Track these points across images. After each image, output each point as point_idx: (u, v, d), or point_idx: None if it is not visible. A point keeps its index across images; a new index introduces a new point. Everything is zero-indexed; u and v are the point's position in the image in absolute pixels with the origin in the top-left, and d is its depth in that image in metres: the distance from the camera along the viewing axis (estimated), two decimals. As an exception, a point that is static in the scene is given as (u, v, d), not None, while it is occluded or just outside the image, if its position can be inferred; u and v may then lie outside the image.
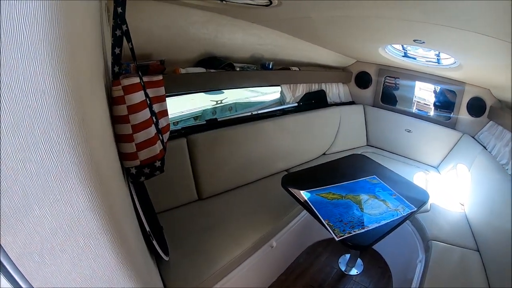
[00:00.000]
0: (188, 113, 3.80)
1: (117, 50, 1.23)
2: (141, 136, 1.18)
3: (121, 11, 1.20)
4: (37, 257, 0.68)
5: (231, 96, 4.86)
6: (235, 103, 4.64)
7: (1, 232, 0.63)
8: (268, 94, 4.82)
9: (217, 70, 2.87)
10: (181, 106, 3.99)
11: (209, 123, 3.10)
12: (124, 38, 1.24)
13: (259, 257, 2.44)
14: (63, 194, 0.64)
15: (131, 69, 2.09)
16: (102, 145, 0.82)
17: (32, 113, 0.55)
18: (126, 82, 1.12)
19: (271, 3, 2.03)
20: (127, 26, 1.23)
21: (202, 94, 4.76)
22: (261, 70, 3.34)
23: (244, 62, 3.26)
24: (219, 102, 4.42)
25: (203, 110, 3.95)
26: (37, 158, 0.59)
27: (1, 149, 0.56)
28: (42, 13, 0.52)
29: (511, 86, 2.52)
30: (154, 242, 1.56)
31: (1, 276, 0.69)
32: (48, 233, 0.66)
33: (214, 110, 4.10)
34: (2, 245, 0.65)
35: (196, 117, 4.01)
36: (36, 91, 0.54)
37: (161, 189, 2.55)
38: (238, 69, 3.08)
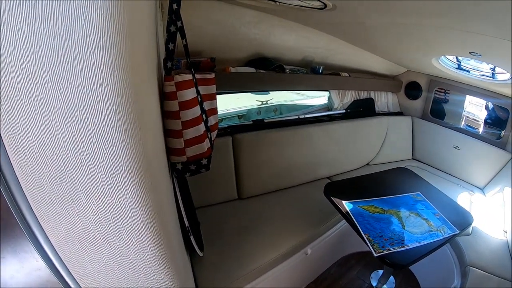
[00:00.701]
0: (233, 111, 3.82)
1: (170, 46, 1.23)
2: (190, 133, 1.18)
3: (176, 7, 1.20)
4: (78, 244, 0.69)
5: (277, 97, 4.86)
6: (280, 105, 4.63)
7: (45, 218, 0.64)
8: (314, 98, 4.78)
9: (267, 71, 2.86)
10: (227, 104, 4.01)
11: (256, 123, 3.09)
12: (178, 34, 1.24)
13: (293, 263, 2.41)
14: (112, 188, 0.64)
15: (181, 65, 2.11)
16: (154, 140, 0.82)
17: (87, 105, 0.56)
18: (179, 78, 1.12)
19: (325, 6, 2.00)
20: (182, 23, 1.24)
21: (248, 93, 4.79)
22: (311, 73, 3.29)
23: (294, 65, 3.24)
24: (264, 102, 4.43)
25: (248, 110, 3.96)
26: (89, 150, 0.59)
27: (52, 140, 0.56)
28: (104, 9, 0.52)
29: None
30: (192, 238, 1.57)
31: (40, 260, 0.70)
32: (92, 223, 0.67)
33: (259, 110, 4.10)
34: (45, 231, 0.66)
35: (240, 116, 4.02)
36: (92, 83, 0.54)
37: (202, 185, 2.57)
38: (288, 71, 3.05)
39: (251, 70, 2.79)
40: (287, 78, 3.03)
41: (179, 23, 1.22)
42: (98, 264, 0.74)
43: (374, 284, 2.98)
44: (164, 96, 1.14)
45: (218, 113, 3.51)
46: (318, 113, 3.74)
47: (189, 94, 1.17)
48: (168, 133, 1.17)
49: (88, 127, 0.57)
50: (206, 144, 1.29)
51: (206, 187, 2.63)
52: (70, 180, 0.61)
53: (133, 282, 0.80)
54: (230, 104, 4.10)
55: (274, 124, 3.17)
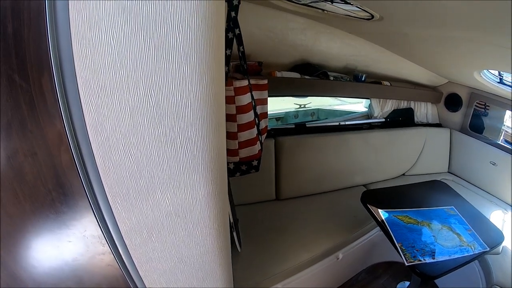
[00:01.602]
0: (271, 113, 3.85)
1: (228, 52, 1.30)
2: (244, 136, 1.25)
3: (234, 15, 1.27)
4: (145, 233, 0.76)
5: (315, 101, 4.86)
6: (318, 109, 4.62)
7: (118, 208, 0.71)
8: (351, 104, 4.76)
9: (312, 77, 2.91)
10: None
11: (298, 127, 3.15)
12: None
13: (324, 266, 2.45)
14: (187, 184, 0.71)
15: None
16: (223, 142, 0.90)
17: (176, 111, 0.63)
18: (238, 84, 1.20)
19: (372, 17, 2.04)
20: (239, 30, 1.31)
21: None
22: (354, 81, 3.32)
23: (337, 72, 3.26)
24: (302, 106, 4.44)
25: (286, 112, 3.99)
26: (171, 150, 0.66)
27: (140, 140, 0.64)
28: (197, 26, 0.58)
29: None
30: (234, 234, 1.64)
31: (106, 245, 0.77)
32: (162, 215, 0.74)
33: (296, 113, 4.12)
34: (116, 219, 0.73)
35: (278, 118, 4.06)
36: (182, 92, 0.61)
37: (243, 183, 2.61)
38: (332, 78, 3.09)
39: (296, 75, 2.85)
40: (330, 85, 3.07)
41: (237, 30, 1.29)
42: (159, 252, 0.81)
43: (400, 295, 2.99)
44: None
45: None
46: (358, 120, 3.76)
47: (246, 99, 1.24)
48: (226, 135, 1.25)
49: (174, 130, 0.64)
50: (257, 147, 1.36)
51: (246, 186, 2.70)
52: (150, 175, 0.68)
53: (188, 272, 0.87)
54: (269, 106, 4.14)
55: (315, 129, 3.21)
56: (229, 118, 1.21)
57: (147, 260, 0.82)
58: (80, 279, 0.82)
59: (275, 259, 2.19)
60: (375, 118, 3.79)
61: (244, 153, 1.29)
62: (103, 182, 0.70)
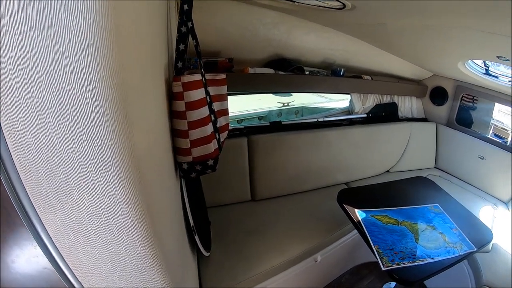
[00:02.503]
0: (253, 112, 3.82)
1: (181, 46, 1.25)
2: (196, 134, 1.19)
3: (187, 8, 1.22)
4: (72, 236, 0.71)
5: (299, 99, 4.84)
6: (302, 107, 4.62)
7: (42, 210, 0.67)
8: (337, 101, 4.74)
9: (286, 72, 2.86)
10: (247, 104, 4.02)
11: (273, 125, 3.08)
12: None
13: (301, 269, 2.39)
14: (102, 184, 0.66)
15: (198, 65, 2.15)
16: (152, 139, 0.84)
17: (77, 106, 0.58)
18: (186, 79, 1.14)
19: (344, 6, 1.99)
20: (192, 23, 1.26)
21: (269, 94, 4.78)
22: (331, 76, 3.27)
23: (315, 67, 3.21)
24: (285, 104, 4.42)
25: (269, 111, 3.96)
26: (80, 148, 0.61)
27: (46, 138, 0.59)
28: (90, 15, 0.54)
29: None
30: (196, 237, 1.59)
31: (38, 248, 0.73)
32: (84, 217, 0.69)
33: (280, 112, 4.10)
34: (42, 221, 0.69)
35: (260, 117, 4.03)
36: (81, 85, 0.56)
37: (216, 184, 2.59)
38: (307, 73, 3.04)
39: (270, 71, 2.79)
40: (306, 80, 3.02)
41: (189, 24, 1.24)
42: (91, 257, 0.76)
43: (385, 296, 2.93)
44: (172, 96, 1.17)
45: (238, 113, 3.55)
46: (338, 116, 3.70)
47: (197, 94, 1.18)
48: (175, 133, 1.19)
49: (79, 127, 0.59)
50: (213, 145, 1.30)
51: (220, 187, 2.65)
52: (64, 176, 0.63)
53: (125, 277, 0.82)
54: (251, 105, 4.11)
55: (292, 127, 3.14)
56: (178, 115, 1.15)
57: (80, 264, 0.78)
58: (21, 283, 0.79)
59: (248, 262, 2.13)
60: (356, 113, 3.75)
61: (198, 152, 1.23)
62: (24, 184, 0.66)
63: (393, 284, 2.97)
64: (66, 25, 0.53)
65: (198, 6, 1.78)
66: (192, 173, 1.28)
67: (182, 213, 1.42)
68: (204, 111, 1.23)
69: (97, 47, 0.56)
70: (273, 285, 2.22)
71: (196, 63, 2.08)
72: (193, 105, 1.16)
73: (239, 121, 3.52)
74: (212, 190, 2.51)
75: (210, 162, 1.31)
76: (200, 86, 1.22)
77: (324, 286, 2.92)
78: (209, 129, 1.27)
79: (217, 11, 2.25)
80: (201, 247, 1.71)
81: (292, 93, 5.00)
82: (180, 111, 1.15)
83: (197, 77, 1.21)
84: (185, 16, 1.23)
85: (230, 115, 3.15)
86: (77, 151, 0.62)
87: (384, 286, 3.03)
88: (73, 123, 0.59)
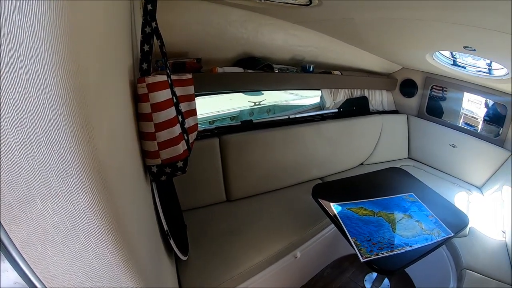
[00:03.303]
0: (225, 113, 3.81)
1: (146, 47, 1.23)
2: (163, 135, 1.17)
3: (151, 8, 1.20)
4: (40, 247, 0.69)
5: (270, 98, 4.85)
6: (274, 106, 4.62)
7: (7, 221, 0.64)
8: (308, 98, 4.75)
9: (255, 70, 2.85)
10: (219, 105, 4.00)
11: (244, 124, 3.07)
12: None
13: (281, 267, 2.39)
14: (64, 191, 0.64)
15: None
16: (116, 143, 0.82)
17: (34, 111, 0.56)
18: (151, 80, 1.11)
19: (310, 2, 1.99)
20: (156, 24, 1.24)
21: (240, 94, 4.77)
22: (301, 72, 3.28)
23: (285, 64, 3.23)
24: (257, 103, 4.42)
25: (240, 111, 3.95)
26: (39, 155, 0.59)
27: (4, 144, 0.57)
28: (44, 12, 0.52)
29: None
30: (171, 242, 1.56)
31: (6, 261, 0.71)
32: (50, 227, 0.67)
33: (251, 111, 4.09)
34: (8, 233, 0.67)
35: (232, 117, 4.01)
36: (38, 89, 0.54)
37: (191, 187, 2.56)
38: (276, 70, 3.04)
39: (239, 70, 2.78)
40: (275, 77, 3.02)
41: (153, 24, 1.22)
42: (61, 268, 0.74)
43: (368, 287, 2.96)
44: (137, 98, 1.14)
45: (210, 114, 3.53)
46: (309, 112, 3.73)
47: (163, 95, 1.16)
48: (143, 136, 1.16)
49: (37, 132, 0.57)
50: (182, 147, 1.27)
51: (194, 190, 2.62)
52: (26, 184, 0.61)
53: (98, 286, 0.80)
54: (222, 105, 4.09)
55: (263, 125, 3.15)
56: (144, 117, 1.13)
57: (51, 276, 0.75)
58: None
59: (227, 263, 2.10)
60: (328, 109, 3.78)
61: (166, 154, 1.20)
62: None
63: (375, 274, 3.01)
64: (20, 27, 0.51)
65: (163, 7, 1.76)
66: (162, 176, 1.26)
67: (155, 217, 1.40)
68: (171, 112, 1.21)
69: (53, 50, 0.54)
70: (254, 284, 2.21)
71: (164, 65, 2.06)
72: (159, 106, 1.14)
73: (211, 122, 3.49)
74: (186, 193, 2.49)
75: (180, 164, 1.29)
76: (165, 86, 1.20)
77: (306, 282, 2.92)
78: (177, 130, 1.25)
79: (182, 11, 2.22)
80: (177, 251, 1.68)
81: (263, 92, 5.01)
82: (146, 113, 1.13)
83: (162, 77, 1.19)
84: (149, 16, 1.21)
85: (201, 116, 3.15)
86: (37, 157, 0.60)
87: (366, 277, 3.07)
88: (31, 129, 0.57)
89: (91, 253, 0.74)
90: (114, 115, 0.86)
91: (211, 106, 3.86)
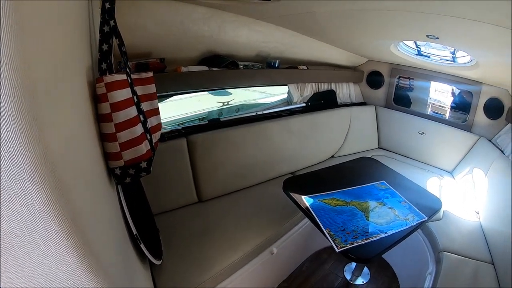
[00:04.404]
0: (193, 115, 3.76)
1: (104, 47, 1.19)
2: (124, 136, 1.13)
3: (109, 6, 1.16)
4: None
5: (239, 97, 4.83)
6: (242, 105, 4.60)
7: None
8: (277, 96, 4.76)
9: (220, 68, 2.82)
10: (187, 107, 3.95)
11: (211, 123, 3.04)
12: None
13: (258, 264, 2.38)
14: (18, 194, 0.60)
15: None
16: (74, 145, 0.79)
17: (-21, 109, 0.53)
18: (109, 79, 1.07)
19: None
20: (115, 22, 1.20)
21: (209, 95, 4.73)
22: (266, 68, 3.27)
23: (250, 61, 3.22)
24: (225, 103, 4.40)
25: (209, 112, 3.91)
26: (-11, 156, 0.56)
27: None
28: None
29: None
30: (142, 246, 1.52)
31: None
32: (7, 233, 0.63)
33: (220, 111, 4.05)
34: None
35: (201, 118, 3.97)
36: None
37: (160, 190, 2.52)
38: (242, 67, 3.03)
39: (204, 68, 2.75)
40: (240, 74, 3.01)
41: (112, 23, 1.19)
42: (23, 277, 0.70)
43: (348, 277, 2.97)
44: (97, 99, 1.10)
45: (178, 117, 3.48)
46: (277, 108, 3.73)
47: (122, 95, 1.12)
48: (104, 137, 1.12)
49: (-16, 131, 0.54)
50: (144, 146, 1.24)
51: (164, 192, 2.57)
52: (-25, 187, 0.58)
53: (63, 295, 0.77)
54: (190, 107, 4.04)
55: (231, 123, 3.12)
56: (104, 118, 1.09)
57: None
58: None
59: (202, 265, 2.07)
60: (295, 104, 3.79)
61: (129, 155, 1.16)
62: None
63: (354, 264, 3.05)
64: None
65: (123, 7, 1.72)
66: (127, 178, 1.22)
67: (123, 222, 1.36)
68: (131, 112, 1.17)
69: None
70: (233, 284, 2.19)
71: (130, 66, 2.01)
72: (118, 106, 1.10)
73: (180, 124, 3.45)
74: (156, 197, 2.44)
75: (144, 165, 1.25)
76: (125, 85, 1.16)
77: (286, 278, 2.92)
78: (138, 130, 1.21)
79: (143, 11, 2.17)
80: (149, 255, 1.64)
81: (232, 92, 4.99)
82: (105, 113, 1.09)
83: (121, 76, 1.15)
84: (107, 15, 1.17)
85: (169, 119, 3.10)
86: (-14, 158, 0.56)
87: (346, 267, 3.09)
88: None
89: (52, 259, 0.70)
90: (71, 116, 0.82)
91: (179, 109, 3.81)
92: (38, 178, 0.61)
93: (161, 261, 1.91)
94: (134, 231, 1.43)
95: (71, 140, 0.79)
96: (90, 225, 0.80)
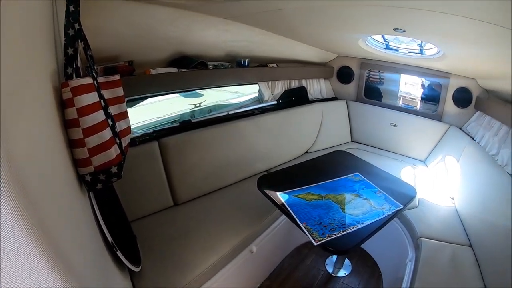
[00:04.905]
0: (165, 118, 3.71)
1: (70, 51, 1.15)
2: (93, 141, 1.09)
3: (73, 9, 1.13)
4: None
5: (211, 98, 4.81)
6: (214, 106, 4.58)
7: None
8: (249, 95, 4.76)
9: (189, 69, 2.80)
10: (159, 111, 3.90)
11: (183, 125, 3.00)
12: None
13: (239, 263, 2.36)
14: (-17, 201, 0.58)
15: (98, 72, 2.02)
16: (39, 152, 0.75)
17: None
18: (74, 83, 1.04)
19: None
20: (80, 25, 1.16)
21: (180, 98, 4.69)
22: (236, 67, 3.27)
23: (220, 61, 3.20)
24: (197, 105, 4.37)
25: (181, 114, 3.87)
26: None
27: None
28: None
29: (497, 74, 2.49)
30: (119, 253, 1.48)
31: None
32: (-23, 244, 0.61)
33: (192, 113, 4.03)
34: None
35: (174, 121, 3.93)
36: None
37: (135, 196, 2.47)
38: (211, 67, 3.01)
39: (173, 70, 2.72)
40: (210, 74, 3.00)
41: (77, 26, 1.15)
42: None
43: (330, 270, 3.00)
44: (63, 105, 1.07)
45: (150, 121, 3.43)
46: (248, 107, 3.73)
47: (89, 99, 1.09)
48: (72, 144, 1.08)
49: None
50: (114, 151, 1.20)
51: (139, 198, 2.52)
52: None
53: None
54: (162, 111, 3.99)
55: (203, 123, 3.09)
56: (71, 124, 1.05)
57: None
58: None
59: (182, 268, 2.04)
60: (266, 101, 3.79)
61: (98, 160, 1.13)
62: None
63: (335, 257, 3.08)
64: None
65: (89, 10, 1.67)
66: (98, 184, 1.18)
67: (97, 230, 1.32)
68: (99, 116, 1.14)
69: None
70: (215, 285, 2.17)
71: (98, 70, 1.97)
72: (85, 111, 1.07)
73: (152, 128, 3.40)
74: (131, 203, 2.38)
75: (114, 170, 1.21)
76: (91, 89, 1.13)
77: (268, 276, 2.92)
78: (107, 134, 1.17)
79: (110, 14, 2.11)
80: (126, 263, 1.60)
81: (204, 93, 4.96)
82: (72, 119, 1.05)
83: (87, 80, 1.12)
84: (71, 18, 1.13)
85: (141, 124, 3.05)
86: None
87: (327, 261, 3.12)
88: None
89: (24, 271, 0.67)
90: (36, 123, 0.79)
91: (151, 113, 3.76)
92: (3, 184, 0.58)
93: (140, 268, 1.88)
94: (110, 239, 1.39)
95: (37, 147, 0.76)
96: (61, 234, 0.77)
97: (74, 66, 1.16)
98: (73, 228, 0.93)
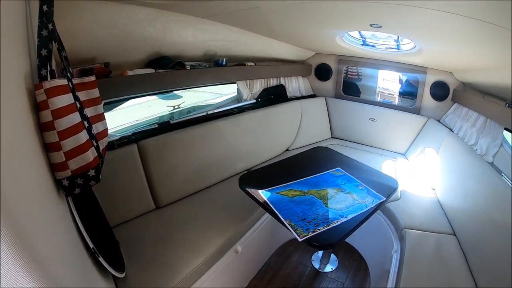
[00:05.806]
0: (144, 121, 3.66)
1: (43, 52, 1.11)
2: (69, 144, 1.06)
3: (47, 9, 1.09)
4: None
5: (190, 100, 4.77)
6: (194, 107, 4.54)
7: None
8: (228, 95, 4.74)
9: (167, 69, 2.77)
10: (137, 114, 3.85)
11: (162, 126, 2.96)
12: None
13: (224, 264, 2.34)
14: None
15: (73, 74, 1.97)
16: (12, 157, 0.72)
17: None
18: (48, 85, 1.00)
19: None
20: (53, 25, 1.12)
21: (159, 100, 4.63)
22: (214, 67, 3.25)
23: (197, 60, 3.18)
24: (176, 107, 4.33)
25: (160, 117, 3.83)
26: None
27: None
28: None
29: (474, 67, 2.53)
30: (101, 259, 1.44)
31: None
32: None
33: (171, 115, 3.98)
34: None
35: (153, 124, 3.88)
36: None
37: (116, 201, 2.42)
38: (188, 67, 2.99)
39: (150, 71, 2.68)
40: (187, 74, 2.97)
41: (50, 26, 1.11)
42: None
43: (316, 266, 3.03)
44: (38, 107, 1.03)
45: (129, 124, 3.39)
46: (227, 106, 3.71)
47: (63, 101, 1.05)
48: (48, 147, 1.05)
49: None
50: (91, 154, 1.16)
51: (120, 203, 2.47)
52: None
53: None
54: (141, 114, 3.94)
55: (182, 124, 3.06)
56: (46, 127, 1.01)
57: None
58: None
59: (167, 272, 2.00)
60: (245, 100, 3.79)
61: (75, 164, 1.09)
62: None
63: (321, 252, 3.10)
64: None
65: (63, 11, 1.63)
66: (76, 189, 1.14)
67: (78, 236, 1.28)
68: (74, 118, 1.10)
69: None
70: (203, 286, 2.15)
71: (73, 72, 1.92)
72: (60, 113, 1.03)
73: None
74: (112, 208, 2.32)
75: (92, 173, 1.18)
76: (66, 91, 1.09)
77: (255, 275, 2.92)
78: (83, 136, 1.14)
79: (85, 14, 2.06)
80: (109, 269, 1.56)
81: (182, 95, 4.92)
82: (47, 121, 1.01)
83: (62, 81, 1.08)
84: (45, 18, 1.09)
85: (120, 128, 3.00)
86: None
87: (313, 256, 3.14)
88: None
89: (3, 281, 0.64)
90: (8, 127, 0.76)
91: (129, 116, 3.70)
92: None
93: (124, 274, 1.84)
94: (91, 245, 1.35)
95: (10, 152, 0.72)
96: (38, 241, 0.75)
97: (49, 68, 1.12)
98: (51, 235, 0.90)
